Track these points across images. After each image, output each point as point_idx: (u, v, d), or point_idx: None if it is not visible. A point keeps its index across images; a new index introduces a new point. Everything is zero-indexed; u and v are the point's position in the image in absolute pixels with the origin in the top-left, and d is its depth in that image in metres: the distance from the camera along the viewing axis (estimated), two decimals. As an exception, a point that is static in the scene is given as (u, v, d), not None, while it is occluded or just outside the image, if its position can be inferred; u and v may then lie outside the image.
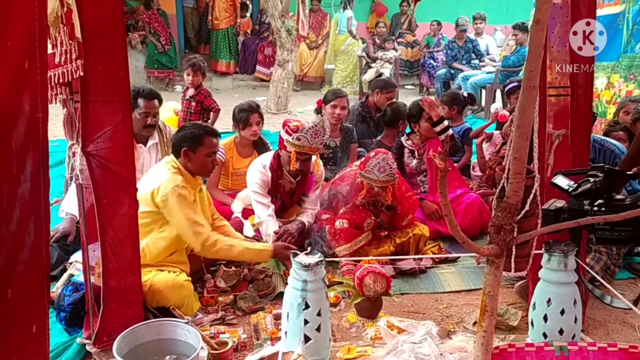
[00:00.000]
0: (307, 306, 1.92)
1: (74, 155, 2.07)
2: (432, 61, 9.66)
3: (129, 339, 2.05)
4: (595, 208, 1.75)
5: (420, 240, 3.33)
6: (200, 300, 2.67)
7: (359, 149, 4.33)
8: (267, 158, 3.35)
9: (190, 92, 4.91)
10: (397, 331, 2.22)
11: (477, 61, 8.61)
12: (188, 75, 4.85)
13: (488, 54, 8.88)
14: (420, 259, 3.17)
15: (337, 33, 10.17)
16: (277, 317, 2.49)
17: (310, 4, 9.48)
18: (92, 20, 1.91)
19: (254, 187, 3.26)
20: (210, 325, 2.48)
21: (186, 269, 2.72)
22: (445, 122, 3.65)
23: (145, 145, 3.48)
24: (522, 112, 1.22)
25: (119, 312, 2.23)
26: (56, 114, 2.20)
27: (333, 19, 10.23)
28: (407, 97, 7.62)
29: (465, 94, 5.01)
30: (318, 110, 4.35)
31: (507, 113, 4.39)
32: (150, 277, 2.50)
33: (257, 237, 3.25)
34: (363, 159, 3.29)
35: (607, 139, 3.37)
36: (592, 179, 1.82)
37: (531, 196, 2.22)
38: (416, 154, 3.87)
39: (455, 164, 4.46)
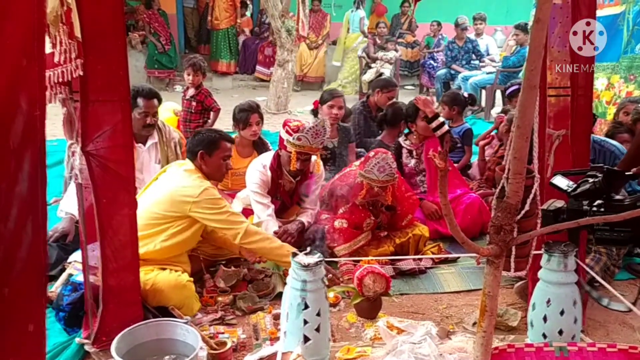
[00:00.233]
0: (306, 306, 1.92)
1: (73, 155, 2.06)
2: (432, 61, 9.66)
3: (128, 339, 2.04)
4: (595, 208, 1.75)
5: (420, 240, 3.33)
6: (200, 300, 2.67)
7: (360, 149, 4.33)
8: (266, 158, 3.35)
9: (191, 92, 4.91)
10: (397, 331, 2.21)
11: (477, 62, 8.60)
12: (188, 75, 4.85)
13: (488, 54, 8.88)
14: (420, 259, 3.17)
15: (348, 32, 10.20)
16: (277, 317, 2.49)
17: (311, 4, 9.49)
18: (91, 19, 1.90)
19: (253, 187, 3.26)
20: (210, 325, 2.48)
21: (188, 268, 2.73)
22: (441, 119, 3.64)
23: (144, 145, 3.48)
24: (522, 112, 1.22)
25: (118, 312, 2.22)
26: (56, 113, 2.20)
27: (344, 18, 10.32)
28: (407, 98, 7.58)
29: (465, 95, 5.01)
30: (315, 111, 4.34)
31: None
32: (152, 276, 2.51)
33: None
34: (363, 158, 3.29)
35: (607, 139, 3.37)
36: (591, 180, 1.81)
37: (531, 196, 2.22)
38: (414, 153, 3.87)
39: (455, 164, 4.46)
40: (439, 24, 10.11)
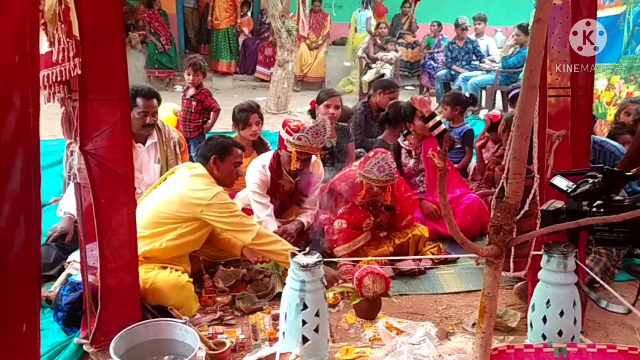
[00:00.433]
0: (305, 307, 1.91)
1: (72, 154, 2.05)
2: (432, 62, 9.65)
3: (126, 339, 2.04)
4: (594, 209, 1.74)
5: (419, 241, 3.32)
6: (199, 300, 2.67)
7: (360, 150, 4.32)
8: (266, 158, 3.35)
9: (191, 91, 4.90)
10: (396, 332, 2.21)
11: (477, 62, 8.60)
12: (188, 74, 4.84)
13: (488, 54, 8.88)
14: (420, 260, 3.17)
15: (356, 32, 10.20)
16: (276, 318, 2.48)
17: (311, 4, 9.49)
18: (90, 18, 1.90)
19: (253, 187, 3.26)
20: (209, 326, 2.48)
21: (188, 269, 2.73)
22: (437, 117, 3.64)
23: (144, 145, 3.47)
24: (522, 112, 1.22)
25: (116, 311, 2.22)
26: (55, 112, 2.20)
27: (351, 18, 10.38)
28: (407, 98, 7.56)
29: (467, 95, 5.00)
30: (312, 111, 4.32)
31: (497, 112, 4.39)
32: (152, 275, 2.51)
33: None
34: (362, 158, 3.29)
35: (607, 140, 3.36)
36: (591, 180, 1.81)
37: (530, 196, 2.21)
38: (413, 153, 3.86)
39: (455, 165, 4.46)
40: (440, 24, 10.11)
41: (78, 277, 2.40)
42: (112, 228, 2.15)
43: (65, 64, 1.81)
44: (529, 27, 7.39)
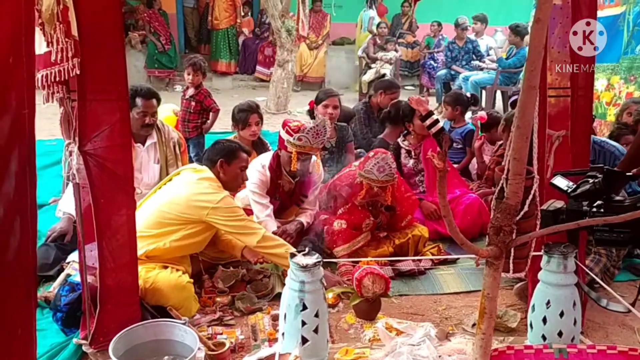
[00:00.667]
0: (304, 307, 1.90)
1: (70, 155, 2.05)
2: (432, 62, 9.65)
3: (125, 340, 2.04)
4: (594, 209, 1.74)
5: (419, 241, 3.32)
6: (198, 300, 2.66)
7: (361, 150, 4.31)
8: (266, 158, 3.34)
9: (190, 91, 4.89)
10: (396, 333, 2.21)
11: (477, 62, 8.60)
12: (188, 74, 4.84)
13: (488, 54, 8.87)
14: (420, 260, 3.16)
15: (361, 31, 10.22)
16: (275, 318, 2.48)
17: (311, 4, 9.49)
18: (89, 18, 1.89)
19: (252, 187, 3.25)
20: (208, 326, 2.47)
21: (189, 269, 2.73)
22: (434, 116, 3.64)
23: (143, 145, 3.47)
24: (522, 112, 1.21)
25: (115, 312, 2.21)
26: (54, 112, 2.19)
27: (358, 18, 10.43)
28: (407, 98, 7.59)
29: (468, 95, 4.99)
30: (310, 112, 4.31)
31: (484, 114, 4.40)
32: (153, 274, 2.50)
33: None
34: (362, 158, 3.28)
35: (607, 140, 3.36)
36: (591, 180, 1.80)
37: (530, 197, 2.21)
38: (413, 153, 3.86)
39: (454, 165, 4.45)
40: (439, 24, 10.11)
41: (77, 278, 2.40)
42: (112, 228, 2.15)
43: (64, 64, 1.81)
44: (519, 28, 7.40)
